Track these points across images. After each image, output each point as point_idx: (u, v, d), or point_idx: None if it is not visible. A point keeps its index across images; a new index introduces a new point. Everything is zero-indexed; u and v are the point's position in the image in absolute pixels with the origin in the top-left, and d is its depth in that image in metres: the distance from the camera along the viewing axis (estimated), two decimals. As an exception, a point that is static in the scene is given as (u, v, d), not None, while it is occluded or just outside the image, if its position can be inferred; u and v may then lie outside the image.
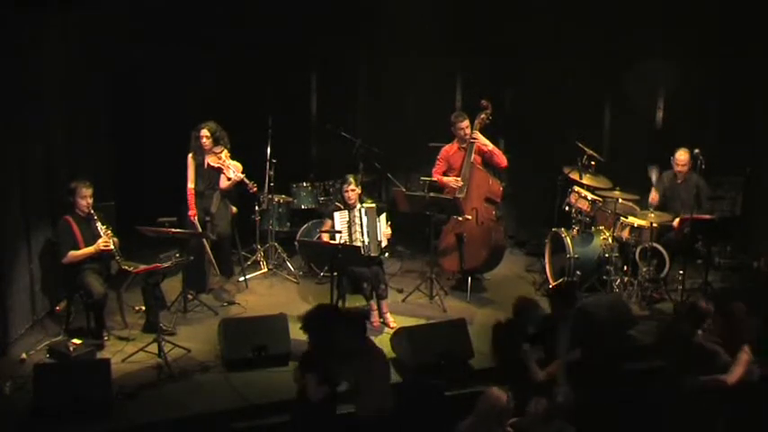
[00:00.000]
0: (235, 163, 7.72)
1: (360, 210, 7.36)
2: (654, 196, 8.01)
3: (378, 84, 9.96)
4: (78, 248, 6.71)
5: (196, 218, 7.63)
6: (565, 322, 5.79)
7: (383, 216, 7.45)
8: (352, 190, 7.38)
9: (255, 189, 7.88)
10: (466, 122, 7.90)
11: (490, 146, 7.91)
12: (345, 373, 5.14)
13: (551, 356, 5.82)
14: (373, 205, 7.57)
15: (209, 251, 7.78)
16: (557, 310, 5.90)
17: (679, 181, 8.05)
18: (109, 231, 6.82)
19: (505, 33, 9.44)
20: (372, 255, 7.28)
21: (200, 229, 7.54)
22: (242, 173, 7.69)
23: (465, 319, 6.82)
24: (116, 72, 8.72)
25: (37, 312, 7.03)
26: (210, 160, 7.64)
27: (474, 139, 7.87)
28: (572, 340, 5.73)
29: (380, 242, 7.39)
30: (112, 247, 6.78)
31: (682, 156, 7.96)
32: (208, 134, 7.55)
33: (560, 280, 6.48)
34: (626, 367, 6.48)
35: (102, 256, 6.80)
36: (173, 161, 7.86)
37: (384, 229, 7.42)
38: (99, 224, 6.82)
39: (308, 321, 5.26)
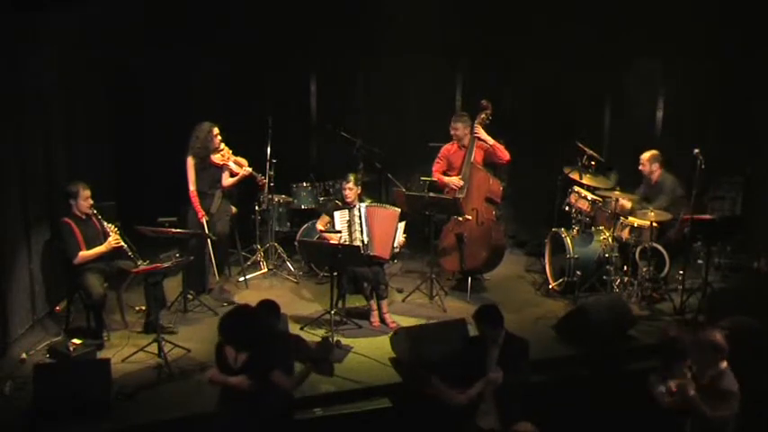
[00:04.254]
0: (240, 159, 7.78)
1: (359, 209, 7.36)
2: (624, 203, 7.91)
3: (378, 84, 9.97)
4: (81, 249, 6.72)
5: (204, 219, 7.64)
6: (494, 344, 5.35)
7: (402, 224, 7.42)
8: (350, 188, 7.38)
9: (265, 181, 7.98)
10: (458, 125, 7.92)
11: (491, 141, 7.91)
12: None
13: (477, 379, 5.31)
14: (398, 210, 7.49)
15: (212, 252, 7.82)
16: (486, 334, 5.41)
17: (653, 183, 8.09)
18: (115, 228, 6.85)
19: (505, 33, 9.45)
20: (379, 255, 7.26)
21: (207, 231, 7.57)
22: (248, 167, 7.80)
23: (465, 318, 6.82)
24: (116, 72, 8.73)
25: (37, 312, 7.03)
26: (216, 158, 7.67)
27: (476, 134, 7.88)
28: (500, 362, 5.29)
29: (395, 248, 7.39)
30: (123, 243, 6.80)
31: (642, 156, 8.08)
32: (218, 131, 7.61)
33: (483, 304, 5.72)
34: (626, 367, 6.49)
35: (110, 254, 6.82)
36: (173, 161, 7.87)
37: (400, 237, 7.41)
38: (105, 222, 6.86)
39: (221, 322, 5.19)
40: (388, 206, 7.61)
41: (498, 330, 5.36)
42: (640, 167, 8.11)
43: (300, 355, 5.26)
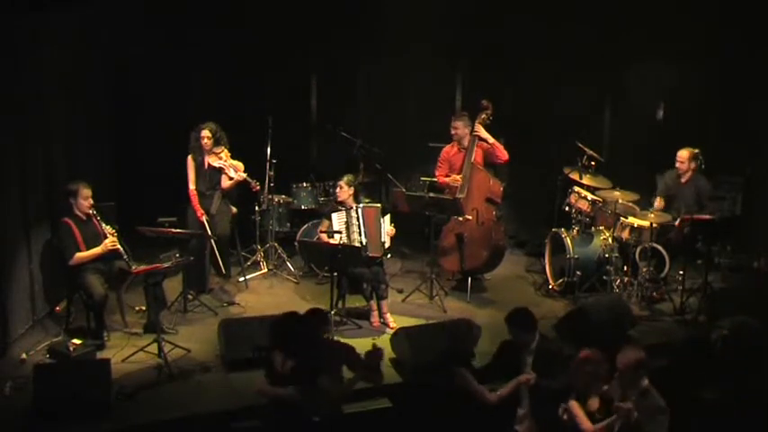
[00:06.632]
0: (236, 162, 7.76)
1: (356, 210, 7.36)
2: (659, 203, 7.99)
3: (378, 84, 9.97)
4: (80, 250, 6.71)
5: (204, 218, 7.64)
6: (527, 348, 5.31)
7: (387, 216, 7.45)
8: (340, 187, 7.40)
9: (258, 187, 7.95)
10: (458, 123, 7.93)
11: (491, 140, 7.91)
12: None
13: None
14: (378, 205, 7.57)
15: (216, 251, 7.82)
16: (518, 338, 5.36)
17: (683, 181, 8.06)
18: (113, 231, 6.84)
19: (505, 33, 9.45)
20: (372, 255, 7.27)
21: (208, 230, 7.56)
22: (243, 172, 7.74)
23: (470, 319, 6.80)
24: (116, 72, 8.73)
25: (37, 312, 7.03)
26: (211, 160, 7.67)
27: (476, 132, 7.87)
28: (534, 366, 5.24)
29: (384, 242, 7.40)
30: (119, 246, 6.79)
31: (681, 153, 8.00)
32: (209, 134, 7.60)
33: (516, 308, 5.61)
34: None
35: (108, 256, 6.81)
36: (173, 161, 7.87)
37: (388, 228, 7.42)
38: (103, 224, 6.84)
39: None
40: (371, 204, 7.61)
41: (531, 335, 5.33)
42: (678, 164, 8.03)
43: (351, 364, 5.27)
